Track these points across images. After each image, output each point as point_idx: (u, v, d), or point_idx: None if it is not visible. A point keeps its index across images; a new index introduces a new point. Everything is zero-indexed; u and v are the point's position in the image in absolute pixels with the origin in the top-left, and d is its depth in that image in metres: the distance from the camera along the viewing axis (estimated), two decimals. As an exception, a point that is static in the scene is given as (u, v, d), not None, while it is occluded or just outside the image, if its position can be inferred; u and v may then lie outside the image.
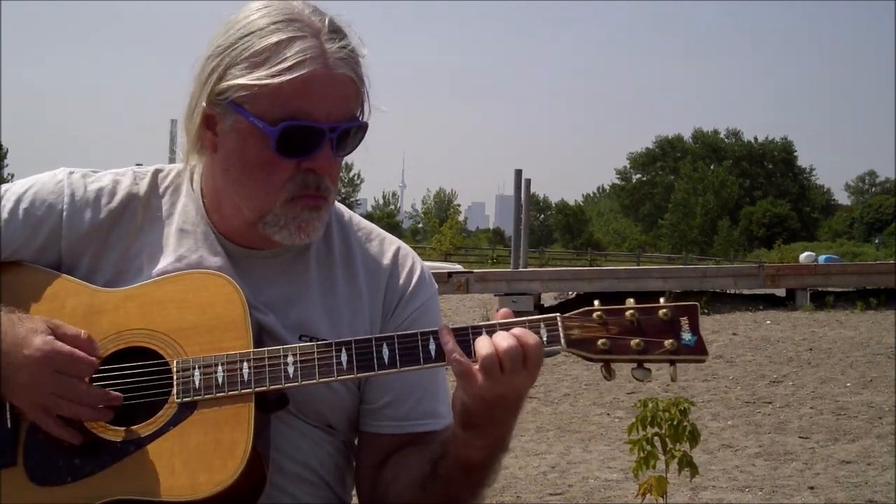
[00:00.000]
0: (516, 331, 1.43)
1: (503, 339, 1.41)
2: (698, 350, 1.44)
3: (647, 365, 1.44)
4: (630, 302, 1.46)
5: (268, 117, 1.49)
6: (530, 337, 1.42)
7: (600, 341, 1.44)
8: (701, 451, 5.13)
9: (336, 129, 1.51)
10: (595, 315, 1.45)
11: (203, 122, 1.55)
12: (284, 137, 1.49)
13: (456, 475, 1.52)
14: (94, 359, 1.46)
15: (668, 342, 1.43)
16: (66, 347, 1.45)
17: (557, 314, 1.47)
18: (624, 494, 5.45)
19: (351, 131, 1.54)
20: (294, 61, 1.46)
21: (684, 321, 1.44)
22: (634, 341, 1.43)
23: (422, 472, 1.55)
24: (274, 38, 1.48)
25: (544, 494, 5.55)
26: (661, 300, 1.47)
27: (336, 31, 1.51)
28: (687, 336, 1.44)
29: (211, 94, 1.52)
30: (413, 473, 1.57)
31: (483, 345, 1.42)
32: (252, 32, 1.50)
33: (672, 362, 1.45)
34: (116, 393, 1.47)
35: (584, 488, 5.65)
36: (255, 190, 1.55)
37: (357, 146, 1.58)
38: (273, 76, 1.46)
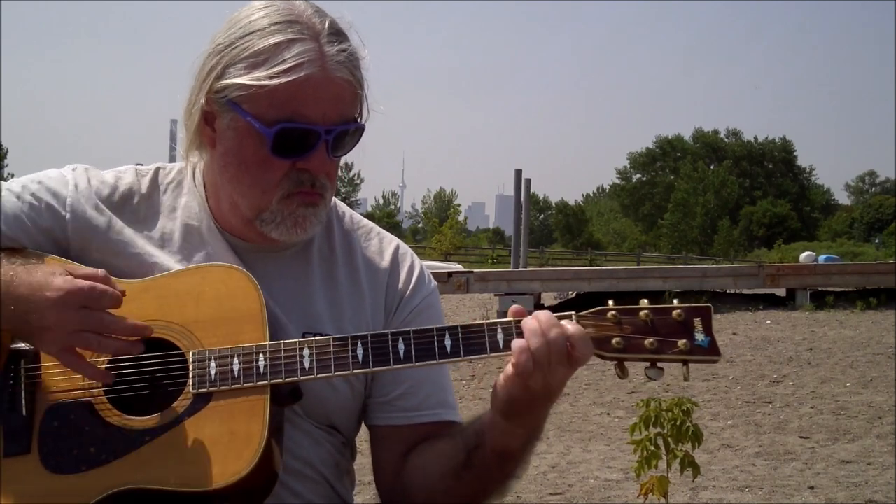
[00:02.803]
0: (565, 323, 1.45)
1: (551, 328, 1.43)
2: (711, 351, 1.46)
3: (660, 364, 1.47)
4: (644, 302, 1.49)
5: (264, 118, 1.50)
6: (578, 330, 1.44)
7: (615, 340, 1.46)
8: (701, 451, 5.13)
9: (332, 131, 1.52)
10: (609, 314, 1.48)
11: (202, 119, 1.57)
12: (280, 138, 1.50)
13: (491, 465, 1.55)
14: (115, 291, 1.46)
15: (681, 342, 1.45)
16: (87, 282, 1.45)
17: (573, 312, 1.49)
18: (624, 494, 5.45)
19: (347, 133, 1.56)
20: (292, 64, 1.48)
21: (697, 322, 1.47)
22: (648, 341, 1.46)
23: (455, 461, 1.58)
24: (273, 40, 1.49)
25: (544, 494, 5.55)
26: (675, 301, 1.50)
27: (336, 34, 1.53)
28: (700, 337, 1.46)
29: (210, 91, 1.54)
30: (445, 463, 1.59)
31: (532, 332, 1.43)
32: (252, 32, 1.51)
33: (685, 362, 1.47)
34: (144, 324, 1.47)
35: (584, 488, 5.65)
36: (251, 187, 1.57)
37: (354, 146, 1.60)
38: (271, 77, 1.48)
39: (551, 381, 1.44)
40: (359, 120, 1.58)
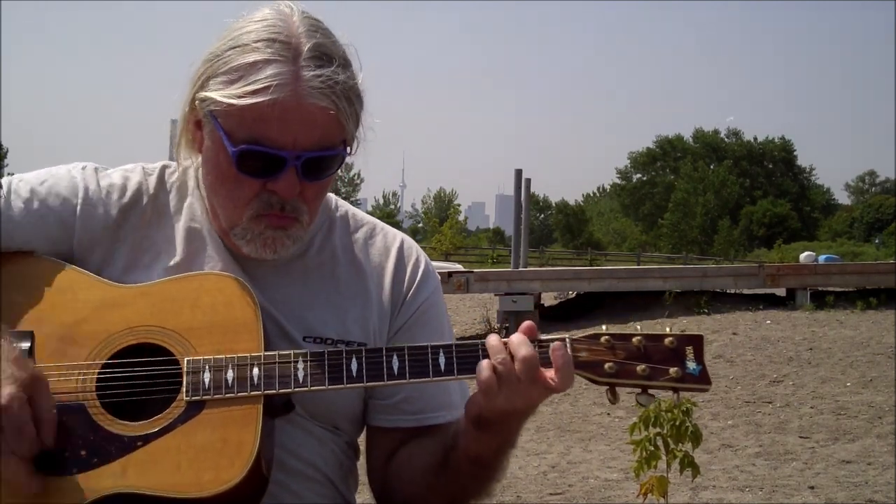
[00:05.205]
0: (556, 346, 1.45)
1: (521, 346, 1.44)
2: (702, 379, 1.48)
3: (651, 391, 1.48)
4: (637, 328, 1.50)
5: (233, 136, 1.49)
6: (564, 355, 1.44)
7: (607, 365, 1.48)
8: (701, 451, 5.14)
9: (301, 157, 1.49)
10: (603, 339, 1.49)
11: (194, 123, 1.57)
12: (243, 159, 1.49)
13: (464, 468, 1.55)
14: (33, 444, 1.37)
15: (672, 370, 1.47)
16: (23, 419, 1.36)
17: (566, 336, 1.49)
18: (624, 494, 5.45)
19: (323, 160, 1.52)
20: (262, 85, 1.45)
21: (689, 350, 1.48)
22: (640, 367, 1.47)
23: (435, 459, 1.59)
24: (251, 58, 1.47)
25: (544, 494, 5.56)
26: (668, 328, 1.51)
27: (320, 57, 1.48)
28: (692, 365, 1.48)
29: (194, 99, 1.53)
30: (428, 460, 1.60)
31: (495, 350, 1.45)
32: (236, 46, 1.50)
33: (676, 390, 1.48)
34: (29, 481, 1.38)
35: (584, 488, 5.66)
36: (225, 200, 1.56)
37: (333, 173, 1.57)
38: (240, 97, 1.46)
39: (522, 402, 1.44)
40: (348, 144, 1.55)
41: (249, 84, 1.46)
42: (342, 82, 1.49)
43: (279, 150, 1.48)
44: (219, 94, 1.48)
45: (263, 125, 1.47)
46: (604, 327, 1.51)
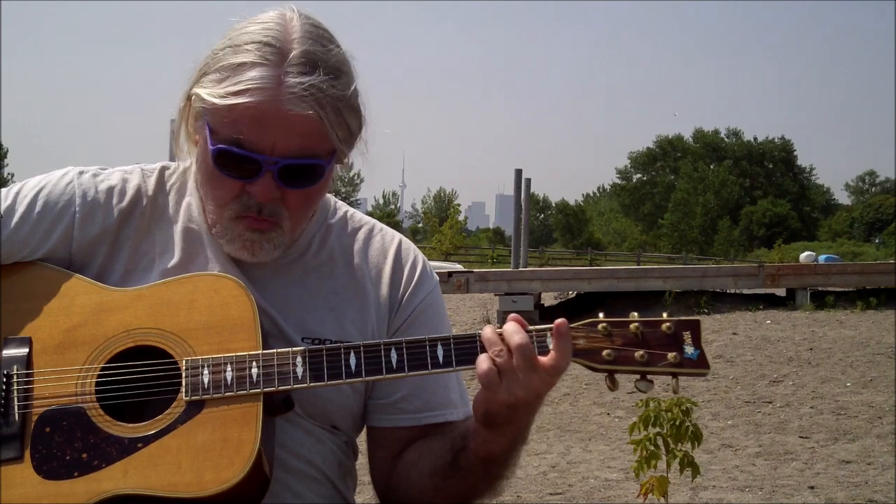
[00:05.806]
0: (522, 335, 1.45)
1: (514, 334, 1.44)
2: (700, 364, 1.48)
3: (649, 377, 1.48)
4: (634, 315, 1.50)
5: (216, 134, 1.50)
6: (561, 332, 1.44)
7: (605, 352, 1.47)
8: (701, 451, 5.14)
9: (279, 163, 1.48)
10: (600, 326, 1.49)
11: (193, 117, 1.57)
12: (220, 159, 1.50)
13: (476, 468, 1.56)
14: None
15: (671, 355, 1.47)
16: None
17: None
18: (624, 494, 5.46)
19: (303, 168, 1.51)
20: (243, 87, 1.45)
21: (687, 335, 1.49)
22: (638, 353, 1.47)
23: (444, 461, 1.59)
24: (240, 59, 1.48)
25: (544, 494, 5.56)
26: (664, 314, 1.51)
27: (305, 65, 1.47)
28: (690, 350, 1.48)
29: (188, 94, 1.54)
30: (434, 461, 1.60)
31: (491, 343, 1.45)
32: (230, 46, 1.50)
33: (674, 375, 1.48)
34: None
35: (584, 488, 5.66)
36: (209, 198, 1.57)
37: (316, 182, 1.55)
38: (222, 97, 1.47)
39: (524, 391, 1.44)
40: (339, 155, 1.54)
41: (233, 84, 1.46)
42: (327, 91, 1.47)
43: (255, 154, 1.48)
44: (206, 92, 1.49)
45: (242, 127, 1.47)
46: (601, 314, 1.51)
